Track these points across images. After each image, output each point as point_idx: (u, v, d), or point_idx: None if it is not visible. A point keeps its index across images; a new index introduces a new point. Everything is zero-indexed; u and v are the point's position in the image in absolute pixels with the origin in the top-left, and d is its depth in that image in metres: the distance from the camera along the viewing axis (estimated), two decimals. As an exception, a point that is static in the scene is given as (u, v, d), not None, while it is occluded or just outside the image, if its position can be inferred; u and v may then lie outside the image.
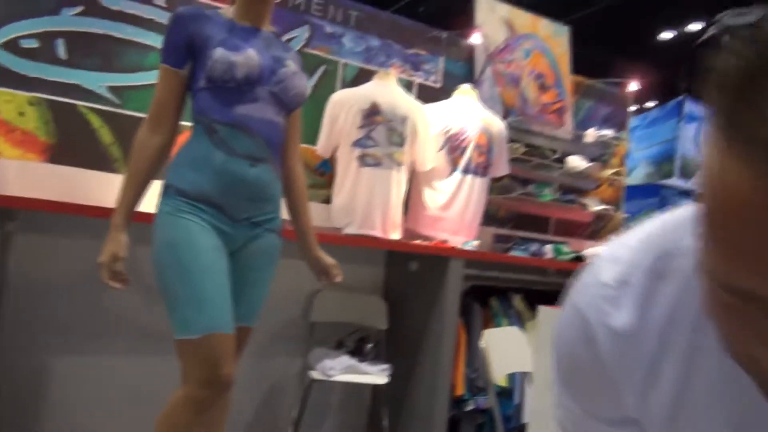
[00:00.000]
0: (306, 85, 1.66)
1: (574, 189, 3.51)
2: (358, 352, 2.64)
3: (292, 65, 1.59)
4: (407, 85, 2.97)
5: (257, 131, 1.53)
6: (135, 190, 1.51)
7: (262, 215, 1.60)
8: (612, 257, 0.63)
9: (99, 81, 2.28)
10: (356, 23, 2.86)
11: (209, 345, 1.42)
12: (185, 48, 1.50)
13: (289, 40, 2.66)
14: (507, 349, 2.07)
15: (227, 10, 1.59)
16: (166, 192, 1.52)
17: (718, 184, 0.38)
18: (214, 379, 1.42)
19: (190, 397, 1.42)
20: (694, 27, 5.70)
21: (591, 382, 0.66)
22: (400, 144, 2.67)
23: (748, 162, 0.35)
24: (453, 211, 2.85)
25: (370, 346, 2.67)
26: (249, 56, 1.49)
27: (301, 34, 2.72)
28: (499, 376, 2.08)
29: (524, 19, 3.41)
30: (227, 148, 1.50)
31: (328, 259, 1.79)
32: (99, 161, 2.29)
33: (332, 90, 2.74)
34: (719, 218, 0.38)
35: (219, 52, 1.47)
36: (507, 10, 3.35)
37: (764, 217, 0.35)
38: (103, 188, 2.20)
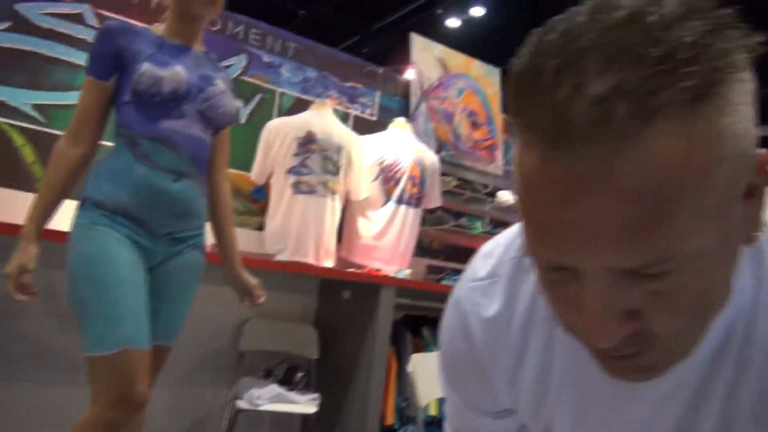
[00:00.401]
0: (234, 105, 1.67)
1: (504, 222, 3.62)
2: (287, 382, 2.59)
3: (221, 84, 1.61)
4: (344, 117, 3.03)
5: (182, 146, 1.52)
6: (49, 202, 1.47)
7: (184, 231, 1.58)
8: (486, 253, 0.68)
9: (25, 98, 2.22)
10: (294, 54, 2.91)
11: (123, 361, 1.37)
12: (112, 60, 1.50)
13: (226, 67, 2.68)
14: (434, 374, 2.09)
15: (157, 28, 1.60)
16: (83, 204, 1.49)
17: (517, 169, 0.42)
18: (126, 398, 1.37)
19: (99, 419, 1.36)
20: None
21: (469, 374, 0.69)
22: (335, 173, 2.70)
23: (530, 146, 0.40)
24: (386, 241, 2.89)
25: (300, 375, 2.63)
26: (176, 72, 1.50)
27: (239, 62, 2.74)
28: (425, 401, 2.09)
29: (458, 59, 3.56)
30: (150, 161, 1.48)
31: (252, 280, 1.77)
32: (20, 180, 2.21)
33: (269, 118, 2.77)
34: (522, 200, 0.43)
35: (146, 66, 1.47)
36: (441, 50, 3.49)
37: (547, 196, 0.40)
38: (23, 208, 2.12)
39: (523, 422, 0.71)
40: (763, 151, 0.43)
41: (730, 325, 0.51)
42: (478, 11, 5.75)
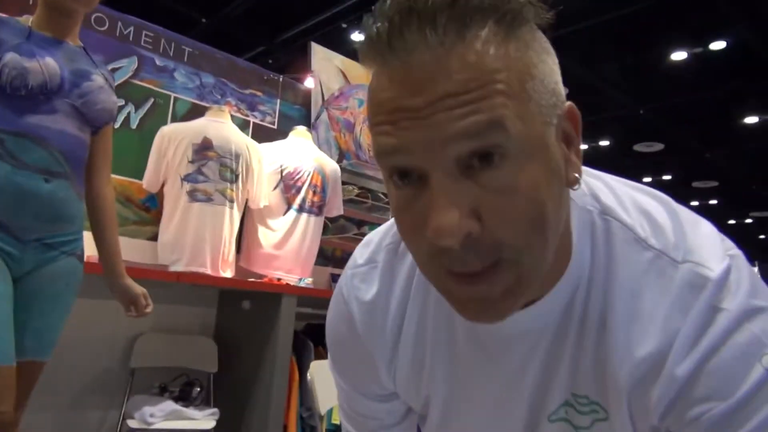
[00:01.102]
0: (113, 101, 1.58)
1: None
2: (183, 397, 2.48)
3: (99, 80, 1.52)
4: (243, 124, 2.98)
5: (54, 143, 1.42)
6: None
7: (58, 236, 1.47)
8: (366, 242, 0.73)
9: None
10: (190, 59, 2.83)
11: None
12: None
13: (115, 69, 2.56)
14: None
15: (26, 19, 1.50)
16: None
17: (368, 97, 0.50)
18: None
19: None
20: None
21: (354, 359, 0.73)
22: (233, 180, 2.64)
23: (377, 68, 0.48)
24: (287, 250, 2.85)
25: (197, 390, 2.53)
26: (46, 64, 1.40)
27: (129, 64, 2.62)
28: (325, 408, 2.07)
29: (358, 70, 3.60)
30: (14, 160, 1.37)
31: (137, 288, 1.67)
32: None
33: (162, 124, 2.66)
34: (371, 117, 0.49)
35: (10, 56, 1.36)
36: (341, 60, 3.52)
37: (390, 96, 0.46)
38: None
39: (407, 402, 0.74)
40: (572, 103, 0.52)
41: (571, 295, 0.58)
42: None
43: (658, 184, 9.20)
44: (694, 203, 10.09)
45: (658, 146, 7.53)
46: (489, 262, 0.48)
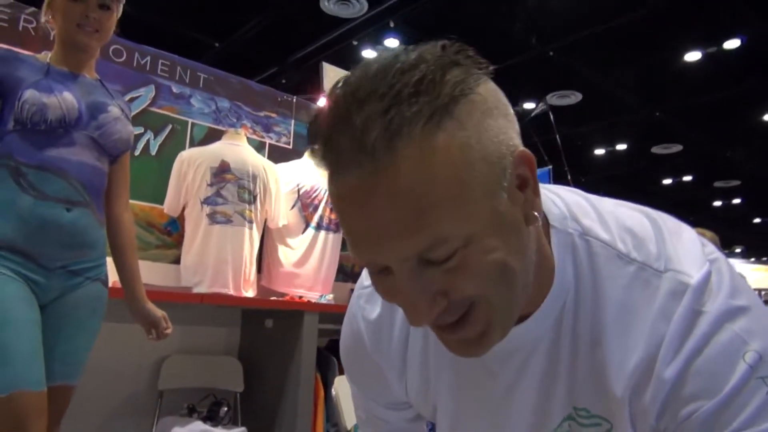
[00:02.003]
0: (131, 131, 1.63)
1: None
2: (211, 417, 2.51)
3: (115, 111, 1.57)
4: (259, 146, 3.03)
5: (73, 174, 1.47)
6: None
7: (81, 263, 1.51)
8: None
9: None
10: (205, 85, 2.90)
11: (14, 404, 1.28)
12: None
13: (133, 98, 2.63)
14: (359, 394, 2.09)
15: (44, 56, 1.55)
16: None
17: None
18: None
19: None
20: (528, 105, 6.44)
21: (364, 371, 0.78)
22: (251, 201, 2.69)
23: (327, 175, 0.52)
24: (308, 267, 2.89)
25: (224, 409, 2.56)
26: (64, 99, 1.45)
27: (147, 93, 2.70)
28: (350, 422, 2.08)
29: (371, 86, 3.64)
30: (36, 191, 1.42)
31: (157, 312, 1.71)
32: None
33: (180, 149, 2.73)
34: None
35: (29, 93, 1.42)
36: (354, 78, 3.56)
37: (341, 210, 0.51)
38: None
39: (418, 411, 0.78)
40: (523, 149, 0.55)
41: (561, 308, 0.62)
42: (392, 42, 5.92)
43: (678, 186, 9.11)
44: (717, 203, 9.94)
45: (677, 147, 7.46)
46: (462, 312, 0.53)
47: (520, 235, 0.54)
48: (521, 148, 0.54)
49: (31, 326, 1.37)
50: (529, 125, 6.49)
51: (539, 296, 0.61)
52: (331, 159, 0.49)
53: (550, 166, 5.01)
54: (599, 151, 7.87)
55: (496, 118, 0.52)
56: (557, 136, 6.59)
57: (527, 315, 0.61)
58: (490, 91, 0.53)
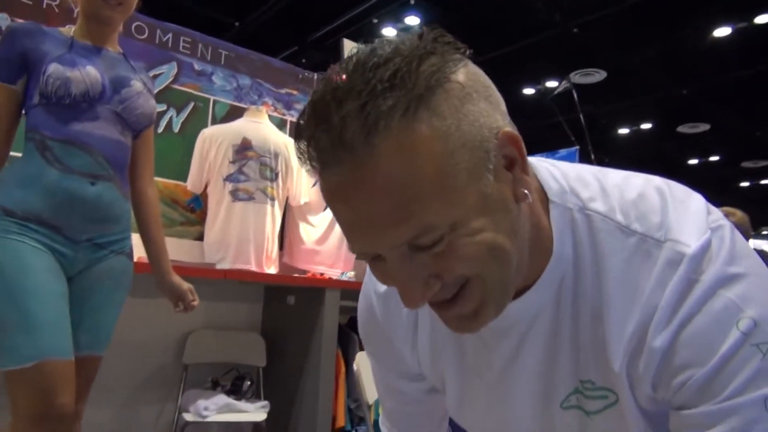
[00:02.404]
0: (153, 106, 1.63)
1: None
2: (235, 391, 2.55)
3: (138, 85, 1.57)
4: (280, 123, 3.03)
5: (97, 148, 1.48)
6: None
7: (106, 236, 1.53)
8: None
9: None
10: (226, 62, 2.90)
11: (42, 373, 1.31)
12: (18, 63, 1.45)
13: (156, 75, 2.64)
14: (380, 369, 2.10)
15: (68, 30, 1.56)
16: None
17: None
18: (48, 412, 1.31)
19: None
20: (551, 84, 6.34)
21: (379, 343, 0.80)
22: (273, 179, 2.70)
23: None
24: (329, 244, 2.90)
25: (248, 383, 2.60)
26: (88, 73, 1.46)
27: (169, 70, 2.71)
28: (371, 397, 2.10)
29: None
30: (62, 165, 1.43)
31: (183, 284, 1.73)
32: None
33: (203, 126, 2.74)
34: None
35: (53, 67, 1.42)
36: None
37: (330, 203, 0.53)
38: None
39: (431, 382, 0.80)
40: (508, 129, 0.55)
41: (559, 282, 0.62)
42: (413, 20, 5.85)
43: (705, 166, 8.94)
44: (745, 184, 9.74)
45: (704, 127, 7.31)
46: (456, 290, 0.55)
47: (510, 213, 0.55)
48: (506, 129, 0.54)
49: (57, 297, 1.40)
50: (552, 104, 6.42)
51: (537, 271, 0.61)
52: (315, 158, 0.51)
53: (578, 147, 4.93)
54: (624, 131, 7.74)
55: (475, 102, 0.52)
56: (581, 116, 6.50)
57: (525, 289, 0.62)
58: (469, 76, 0.53)
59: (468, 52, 0.54)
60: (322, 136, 0.49)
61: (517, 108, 6.83)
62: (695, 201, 0.61)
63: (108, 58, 1.56)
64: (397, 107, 0.48)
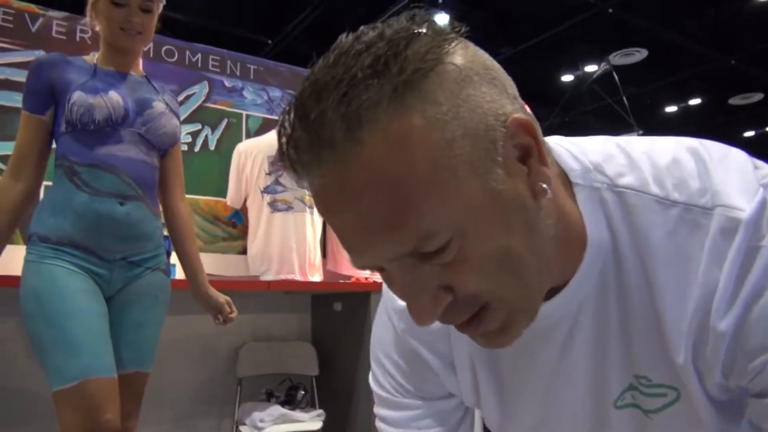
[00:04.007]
0: (176, 125, 1.65)
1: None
2: (289, 401, 2.56)
3: (159, 106, 1.60)
4: (314, 132, 3.04)
5: (123, 170, 1.51)
6: None
7: (140, 254, 1.55)
8: None
9: (-12, 150, 2.23)
10: (255, 76, 2.93)
11: (85, 392, 1.33)
12: (46, 94, 1.49)
13: (189, 96, 2.69)
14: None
15: (91, 57, 1.60)
16: (30, 241, 1.47)
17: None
18: (94, 430, 1.33)
19: None
20: (590, 68, 6.18)
21: (404, 359, 0.71)
22: (310, 186, 2.70)
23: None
24: (372, 248, 2.88)
25: (301, 393, 2.60)
26: (110, 98, 1.49)
27: (201, 89, 2.76)
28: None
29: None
30: (90, 188, 1.47)
31: (220, 297, 1.74)
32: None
33: (238, 141, 2.78)
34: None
35: (77, 95, 1.46)
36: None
37: (320, 211, 0.47)
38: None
39: (464, 400, 0.72)
40: (518, 115, 0.47)
41: (600, 270, 0.55)
42: (443, 18, 5.81)
43: (762, 138, 8.52)
44: (808, 153, 9.22)
45: (757, 96, 6.96)
46: (472, 312, 0.49)
47: (526, 212, 0.48)
48: (516, 114, 0.47)
49: (96, 317, 1.43)
50: (594, 87, 6.24)
51: (573, 264, 0.54)
52: (296, 160, 0.45)
53: (640, 131, 4.75)
54: (671, 109, 7.46)
55: (476, 86, 0.46)
56: (624, 98, 6.30)
57: (563, 285, 0.55)
58: (467, 57, 0.46)
59: (464, 31, 0.47)
60: (302, 135, 0.44)
61: (556, 96, 6.67)
62: (737, 156, 0.54)
63: (130, 82, 1.59)
64: (382, 95, 0.42)
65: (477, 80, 0.46)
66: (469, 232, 0.45)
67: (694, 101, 7.25)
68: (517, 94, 0.50)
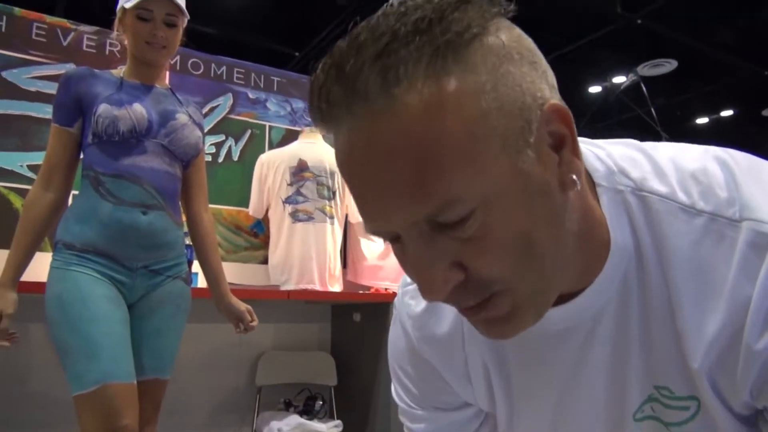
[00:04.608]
0: (198, 136, 1.69)
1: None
2: (308, 411, 2.57)
3: (183, 118, 1.63)
4: (336, 143, 3.07)
5: (146, 180, 1.55)
6: (24, 249, 1.50)
7: (161, 263, 1.59)
8: None
9: (19, 161, 2.30)
10: (279, 88, 2.98)
11: (105, 396, 1.36)
12: (74, 107, 1.54)
13: (213, 108, 2.74)
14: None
15: (118, 70, 1.65)
16: (56, 248, 1.52)
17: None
18: None
19: None
20: (618, 79, 6.12)
21: (416, 369, 0.70)
22: (330, 198, 2.72)
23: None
24: (391, 259, 2.88)
25: (320, 403, 2.61)
26: (134, 110, 1.54)
27: (225, 102, 2.81)
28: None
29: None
30: (114, 198, 1.51)
31: (241, 305, 1.77)
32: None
33: (261, 152, 2.82)
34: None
35: (103, 107, 1.51)
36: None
37: (342, 172, 0.46)
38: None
39: (481, 407, 0.71)
40: (556, 101, 0.47)
41: (623, 276, 0.53)
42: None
43: (799, 150, 8.30)
44: None
45: (792, 108, 6.80)
46: (481, 298, 0.47)
47: (552, 202, 0.47)
48: (553, 101, 0.46)
49: (117, 323, 1.46)
50: (622, 98, 6.17)
51: (594, 267, 0.53)
52: (326, 113, 0.44)
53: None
54: (702, 120, 7.32)
55: (518, 65, 0.45)
56: (652, 109, 6.21)
57: (582, 288, 0.53)
58: (512, 35, 0.46)
59: (510, 10, 0.46)
60: (335, 87, 0.43)
61: (584, 107, 6.59)
62: (766, 168, 0.52)
63: (155, 95, 1.63)
64: (422, 54, 0.41)
65: (518, 59, 0.45)
66: (492, 208, 0.44)
67: (726, 112, 7.11)
68: (556, 85, 0.49)
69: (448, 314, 0.65)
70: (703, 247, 0.50)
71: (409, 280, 0.68)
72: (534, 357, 0.59)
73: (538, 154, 0.45)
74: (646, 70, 5.84)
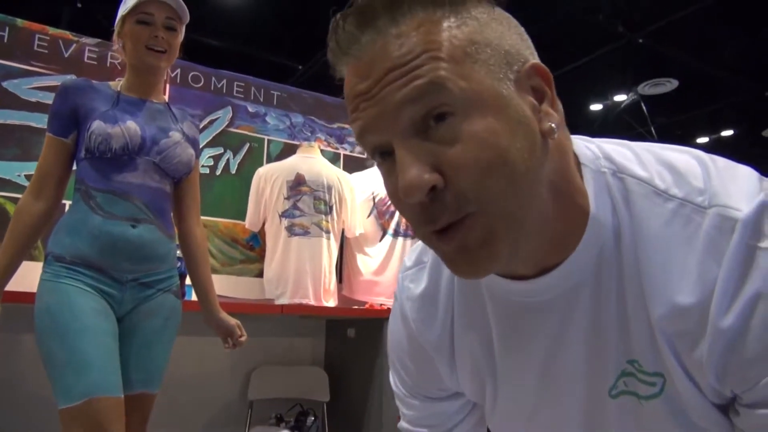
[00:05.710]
0: (191, 154, 1.68)
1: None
2: (299, 427, 2.56)
3: (176, 136, 1.63)
4: (334, 157, 3.08)
5: (136, 196, 1.55)
6: (11, 256, 1.49)
7: (152, 275, 1.58)
8: (416, 246, 0.75)
9: (17, 170, 2.31)
10: (278, 102, 2.99)
11: (91, 410, 1.35)
12: (69, 118, 1.55)
13: (212, 121, 2.76)
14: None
15: (116, 83, 1.65)
16: (46, 260, 1.52)
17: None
18: None
19: None
20: (619, 98, 6.14)
21: (412, 359, 0.74)
22: (327, 212, 2.72)
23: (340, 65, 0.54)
24: (387, 275, 2.88)
25: (311, 419, 2.60)
26: (128, 128, 1.54)
27: (224, 115, 2.82)
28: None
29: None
30: (104, 212, 1.51)
31: (231, 320, 1.76)
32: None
33: (259, 166, 2.83)
34: (346, 99, 0.54)
35: (96, 124, 1.51)
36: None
37: (349, 97, 0.52)
38: (23, 277, 2.17)
39: (471, 398, 0.74)
40: (538, 62, 0.54)
41: (600, 248, 0.56)
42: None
43: (800, 171, 8.29)
44: None
45: (793, 129, 6.80)
46: (456, 217, 0.50)
47: (531, 135, 0.51)
48: (536, 61, 0.54)
49: (105, 335, 1.45)
50: (623, 117, 6.18)
51: (573, 238, 0.56)
52: (342, 39, 0.52)
53: None
54: (702, 140, 7.33)
55: (506, 29, 0.53)
56: (652, 128, 6.22)
57: (561, 261, 0.56)
58: (504, 14, 0.54)
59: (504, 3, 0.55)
60: (350, 19, 0.51)
61: (585, 125, 6.62)
62: (743, 169, 0.56)
63: (151, 111, 1.63)
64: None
65: (506, 25, 0.53)
66: (472, 115, 0.49)
67: (727, 132, 7.12)
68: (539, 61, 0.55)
69: (442, 299, 0.68)
70: (670, 229, 0.53)
71: (409, 264, 0.73)
72: (516, 332, 0.62)
73: (518, 91, 0.51)
74: (647, 89, 5.86)
